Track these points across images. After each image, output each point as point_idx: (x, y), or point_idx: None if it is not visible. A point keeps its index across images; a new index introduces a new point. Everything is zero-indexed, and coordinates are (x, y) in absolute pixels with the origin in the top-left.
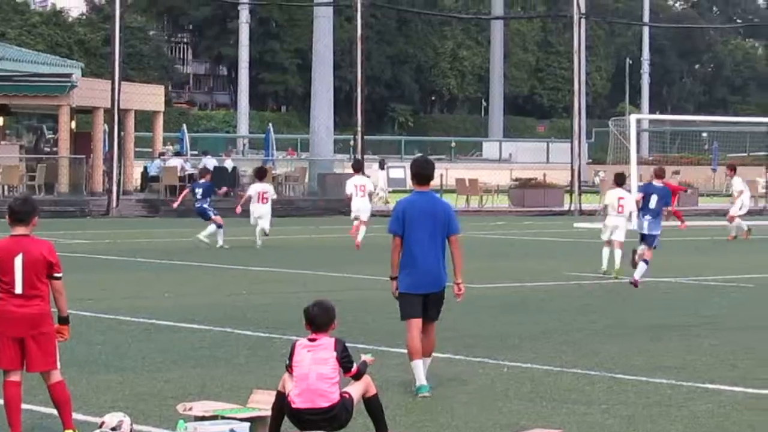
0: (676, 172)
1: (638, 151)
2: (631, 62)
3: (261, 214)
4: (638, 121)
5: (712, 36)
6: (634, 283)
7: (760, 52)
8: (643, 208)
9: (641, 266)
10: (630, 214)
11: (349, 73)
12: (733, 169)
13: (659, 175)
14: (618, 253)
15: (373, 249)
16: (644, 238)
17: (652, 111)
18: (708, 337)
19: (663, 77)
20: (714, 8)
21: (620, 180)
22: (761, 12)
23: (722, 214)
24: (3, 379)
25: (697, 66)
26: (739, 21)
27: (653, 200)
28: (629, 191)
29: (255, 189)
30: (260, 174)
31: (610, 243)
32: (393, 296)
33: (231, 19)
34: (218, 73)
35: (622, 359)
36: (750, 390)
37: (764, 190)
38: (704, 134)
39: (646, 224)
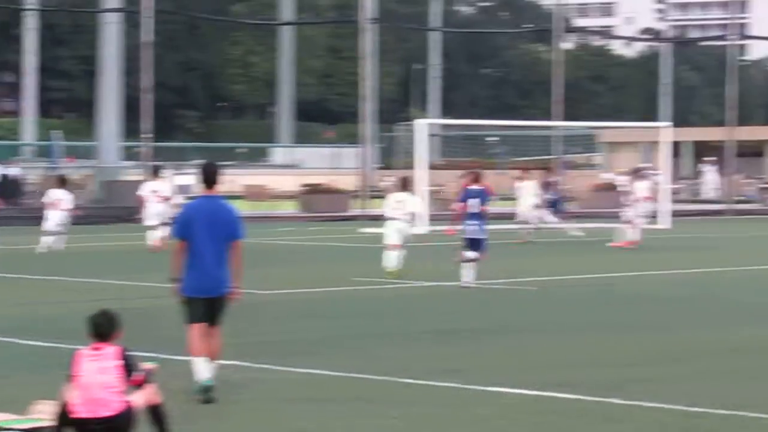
0: (463, 176)
1: (427, 155)
2: (420, 67)
3: (56, 220)
4: (427, 126)
5: (501, 41)
6: (467, 286)
7: (548, 56)
8: (466, 213)
9: (469, 267)
10: (413, 216)
11: (138, 80)
12: (524, 173)
13: (477, 179)
14: (398, 254)
15: (160, 256)
16: (472, 244)
17: (442, 115)
18: (493, 340)
19: (451, 82)
20: (502, 13)
21: (405, 184)
22: (548, 17)
23: (508, 217)
24: None
25: (485, 70)
26: (527, 25)
27: (474, 204)
28: (412, 195)
29: (53, 196)
30: (59, 182)
31: (393, 245)
32: (174, 299)
33: (16, 25)
34: (3, 81)
35: (409, 363)
36: (531, 392)
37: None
38: (492, 138)
39: (472, 229)
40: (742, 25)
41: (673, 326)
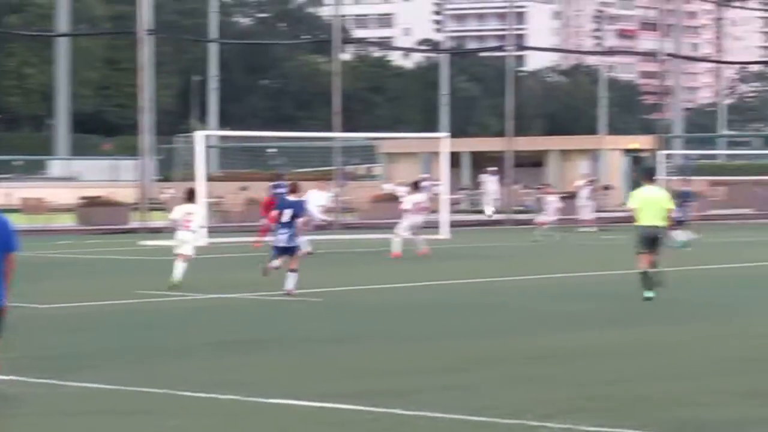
0: (244, 188)
1: (207, 167)
2: (198, 78)
3: None
4: (206, 138)
5: (280, 52)
6: (290, 293)
7: (326, 67)
8: (279, 222)
9: (291, 276)
10: (199, 228)
11: None
12: (293, 190)
13: (294, 190)
14: (182, 266)
15: None
16: (285, 251)
17: (220, 127)
18: (276, 352)
19: (231, 93)
20: (280, 24)
21: (190, 196)
22: (327, 28)
23: None
24: None
25: (264, 82)
26: (306, 37)
27: (287, 214)
28: (198, 206)
29: None
30: None
31: (182, 256)
32: None
33: None
34: None
35: (190, 376)
36: (314, 403)
37: (331, 205)
38: (271, 150)
39: (284, 237)
40: (520, 36)
41: (460, 335)
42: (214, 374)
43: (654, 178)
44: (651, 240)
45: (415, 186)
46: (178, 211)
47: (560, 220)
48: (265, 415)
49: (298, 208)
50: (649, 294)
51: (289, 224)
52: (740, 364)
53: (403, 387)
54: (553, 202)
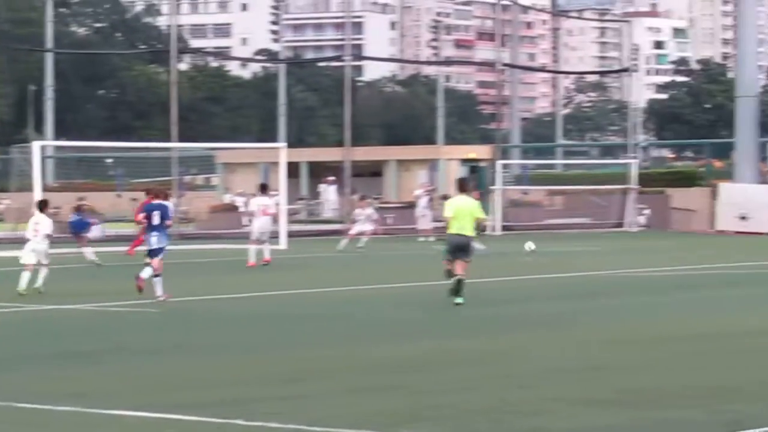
0: (81, 199)
1: (43, 178)
2: (35, 88)
3: None
4: (42, 148)
5: (116, 62)
6: (140, 283)
7: (164, 77)
8: (148, 225)
9: (148, 270)
10: (48, 237)
11: None
12: (156, 195)
13: (158, 195)
14: (42, 274)
15: None
16: (152, 252)
17: (57, 137)
18: (114, 363)
19: (67, 103)
20: (117, 34)
21: (41, 206)
22: (164, 38)
23: (128, 239)
24: None
25: (101, 92)
26: (143, 46)
27: (156, 217)
28: (48, 217)
29: None
30: None
31: (28, 266)
32: None
33: None
34: None
35: (27, 387)
36: (153, 414)
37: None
38: (109, 160)
39: (153, 239)
40: (357, 46)
41: (302, 344)
42: (52, 385)
43: (467, 188)
44: (459, 248)
45: (262, 189)
46: (30, 222)
47: (375, 231)
48: (104, 427)
49: (165, 210)
50: (459, 300)
51: (158, 226)
52: (578, 373)
53: (245, 397)
54: (366, 213)
